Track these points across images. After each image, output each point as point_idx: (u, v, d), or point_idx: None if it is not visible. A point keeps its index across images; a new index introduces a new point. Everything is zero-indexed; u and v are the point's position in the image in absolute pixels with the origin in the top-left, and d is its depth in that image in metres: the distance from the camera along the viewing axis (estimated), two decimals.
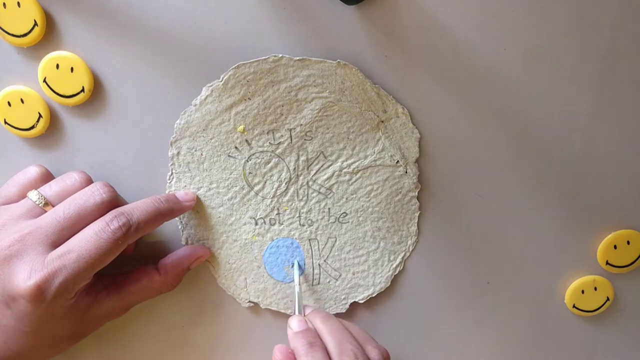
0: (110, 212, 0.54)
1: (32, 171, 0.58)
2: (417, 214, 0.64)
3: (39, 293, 0.50)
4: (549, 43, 0.60)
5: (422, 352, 0.69)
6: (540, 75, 0.61)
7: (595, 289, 0.68)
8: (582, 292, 0.68)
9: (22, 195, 0.57)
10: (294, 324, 0.58)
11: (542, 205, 0.66)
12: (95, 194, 0.55)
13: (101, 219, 0.54)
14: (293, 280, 0.64)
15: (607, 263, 0.67)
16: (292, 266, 0.64)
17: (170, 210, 0.58)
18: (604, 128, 0.63)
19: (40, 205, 0.55)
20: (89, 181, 0.58)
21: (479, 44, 0.60)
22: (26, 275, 0.51)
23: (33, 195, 0.56)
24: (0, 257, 0.52)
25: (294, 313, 0.61)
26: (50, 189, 0.57)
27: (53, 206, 0.55)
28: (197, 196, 0.62)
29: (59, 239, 0.53)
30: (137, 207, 0.55)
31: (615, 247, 0.66)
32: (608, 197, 0.66)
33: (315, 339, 0.55)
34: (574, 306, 0.68)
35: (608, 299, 0.68)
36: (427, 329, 0.68)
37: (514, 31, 0.59)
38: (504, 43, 0.60)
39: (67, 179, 0.57)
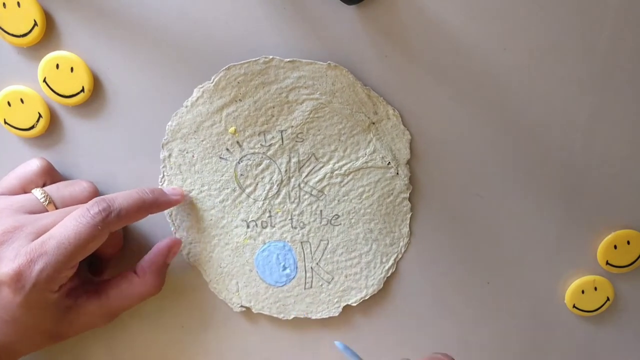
0: (91, 200, 0.54)
1: (34, 165, 0.58)
2: (408, 216, 0.64)
3: (19, 279, 0.50)
4: (549, 43, 0.60)
5: (417, 355, 0.69)
6: (540, 75, 0.61)
7: (595, 289, 0.67)
8: (582, 292, 0.67)
9: (23, 189, 0.57)
10: None
11: (541, 205, 0.65)
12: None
13: (83, 206, 0.53)
14: (285, 284, 0.64)
15: (607, 263, 0.66)
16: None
17: (154, 201, 0.57)
18: (604, 128, 0.63)
19: (44, 203, 0.55)
20: (96, 192, 0.59)
21: (479, 44, 0.59)
22: (9, 261, 0.51)
23: (38, 193, 0.56)
24: None
25: None
26: (57, 191, 0.57)
27: (56, 207, 0.56)
28: (184, 192, 0.61)
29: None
30: (120, 195, 0.55)
31: (615, 247, 0.66)
32: (608, 197, 0.65)
33: None
34: (574, 306, 0.68)
35: (608, 299, 0.68)
36: (422, 331, 0.68)
37: (514, 31, 0.59)
38: (504, 43, 0.60)
39: (77, 186, 0.58)
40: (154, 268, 0.60)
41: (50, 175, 0.59)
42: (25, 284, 0.51)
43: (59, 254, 0.51)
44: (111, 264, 0.63)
